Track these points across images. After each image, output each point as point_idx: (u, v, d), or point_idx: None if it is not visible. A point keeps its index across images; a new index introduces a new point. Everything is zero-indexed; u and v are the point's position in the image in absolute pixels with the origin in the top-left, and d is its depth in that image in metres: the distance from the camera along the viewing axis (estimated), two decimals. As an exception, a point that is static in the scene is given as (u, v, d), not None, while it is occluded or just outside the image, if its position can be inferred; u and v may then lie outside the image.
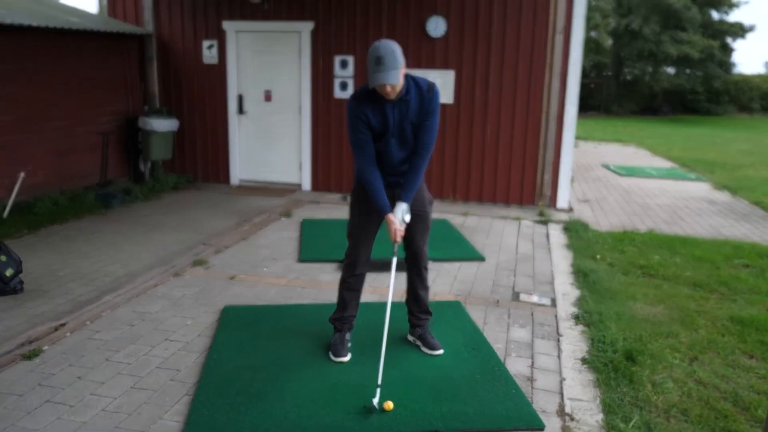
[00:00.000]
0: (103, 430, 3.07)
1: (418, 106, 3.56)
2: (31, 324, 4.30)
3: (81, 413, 3.22)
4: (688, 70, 29.66)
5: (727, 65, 29.78)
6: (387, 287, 5.10)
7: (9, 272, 4.80)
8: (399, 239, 3.66)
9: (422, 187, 3.85)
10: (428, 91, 3.57)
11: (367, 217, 3.78)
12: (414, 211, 3.76)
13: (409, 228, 3.79)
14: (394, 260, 3.75)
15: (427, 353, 3.94)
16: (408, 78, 3.53)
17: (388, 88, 3.40)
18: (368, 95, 3.53)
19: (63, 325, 4.26)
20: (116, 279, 5.28)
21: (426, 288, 4.01)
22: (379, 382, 3.36)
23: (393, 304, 4.72)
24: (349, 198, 3.91)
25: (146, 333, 4.20)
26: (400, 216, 3.64)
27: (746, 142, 18.32)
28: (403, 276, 4.08)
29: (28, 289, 4.98)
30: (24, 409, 3.24)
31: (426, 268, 3.97)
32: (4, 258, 4.81)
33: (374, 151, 3.63)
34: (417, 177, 3.67)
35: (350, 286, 3.91)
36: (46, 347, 3.94)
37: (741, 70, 34.34)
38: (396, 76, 3.36)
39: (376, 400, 3.25)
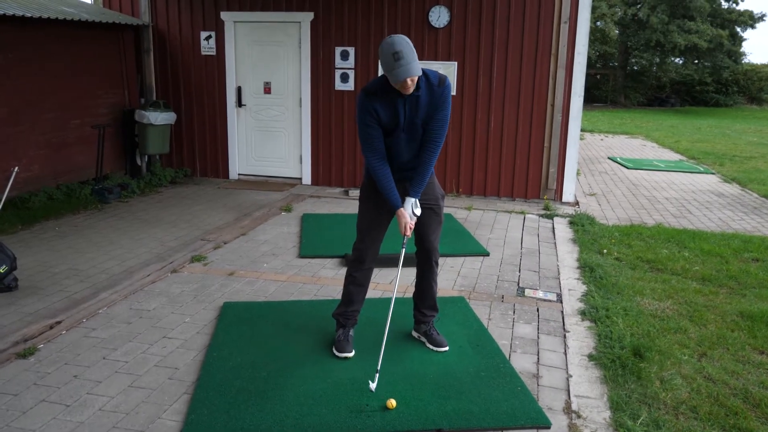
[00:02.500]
0: (101, 430, 3.06)
1: (429, 100, 3.53)
2: (26, 322, 4.30)
3: (77, 413, 3.21)
4: (696, 61, 29.57)
5: (736, 55, 29.67)
6: (390, 283, 5.12)
7: (3, 269, 4.79)
8: (409, 233, 3.66)
9: (434, 181, 3.84)
10: (439, 85, 3.54)
11: (377, 211, 3.77)
12: (427, 205, 3.78)
13: (423, 222, 3.80)
14: (402, 252, 3.76)
15: (432, 350, 3.94)
16: None
17: (409, 82, 3.36)
18: (379, 90, 3.49)
19: (58, 323, 4.25)
20: (113, 276, 5.28)
21: (436, 282, 4.01)
22: (378, 367, 3.41)
23: (399, 300, 4.72)
24: (357, 192, 3.91)
25: (144, 330, 4.20)
26: (410, 210, 3.65)
27: (756, 133, 18.28)
28: (410, 270, 4.07)
29: (23, 286, 4.97)
30: (19, 409, 3.23)
31: (437, 263, 3.97)
32: (-2, 254, 4.80)
33: (384, 146, 3.61)
34: (426, 171, 3.66)
35: (357, 280, 3.90)
36: (41, 345, 3.94)
37: (751, 59, 34.26)
38: (418, 67, 3.33)
39: (373, 385, 3.31)
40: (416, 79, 3.39)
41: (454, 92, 8.27)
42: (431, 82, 3.53)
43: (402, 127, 3.56)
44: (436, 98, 3.53)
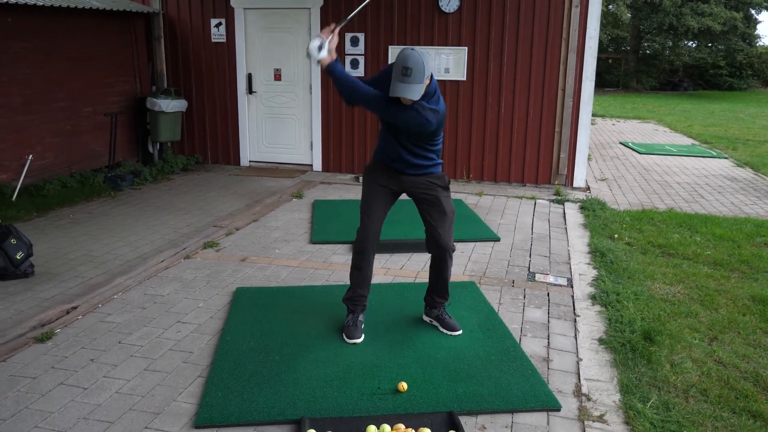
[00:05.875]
0: (118, 412, 3.12)
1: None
2: (43, 307, 4.37)
3: (95, 395, 3.28)
4: (709, 44, 29.24)
5: (750, 38, 29.31)
6: (401, 268, 5.15)
7: (19, 255, 4.86)
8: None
9: (426, 171, 3.83)
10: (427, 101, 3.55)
11: (379, 191, 3.82)
12: (421, 196, 3.83)
13: (432, 219, 3.85)
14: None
15: (445, 334, 3.97)
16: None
17: (404, 99, 3.45)
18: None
19: (74, 308, 4.32)
20: (127, 262, 5.34)
21: (450, 272, 4.03)
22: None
23: (409, 285, 4.76)
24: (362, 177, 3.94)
25: (158, 315, 4.25)
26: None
27: (770, 117, 18.10)
28: (423, 256, 4.09)
29: (39, 273, 5.04)
30: (38, 392, 3.30)
31: (452, 257, 3.95)
32: (14, 241, 4.87)
33: (367, 88, 3.59)
34: None
35: (361, 264, 3.93)
36: (58, 330, 4.01)
37: (766, 42, 33.85)
38: (419, 91, 3.37)
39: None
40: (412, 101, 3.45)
41: (464, 77, 8.24)
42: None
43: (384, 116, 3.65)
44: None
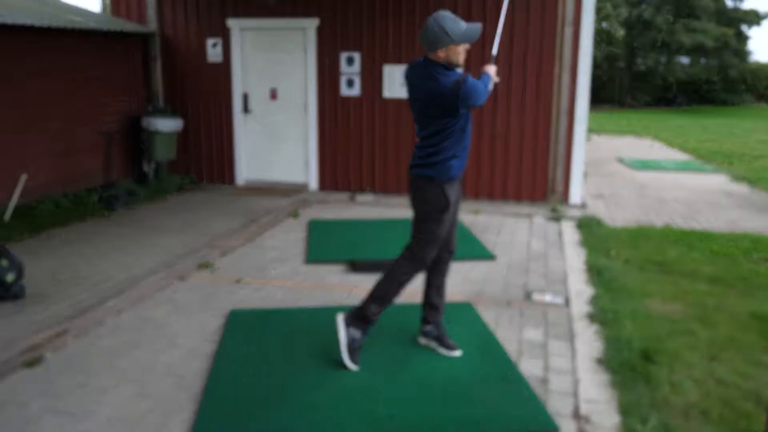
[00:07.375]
0: (107, 439, 3.06)
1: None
2: (33, 330, 4.29)
3: (84, 421, 3.20)
4: (702, 60, 29.46)
5: (742, 53, 29.58)
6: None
7: (10, 278, 4.79)
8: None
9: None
10: None
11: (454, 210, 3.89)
12: (459, 197, 3.90)
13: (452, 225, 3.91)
14: None
15: (444, 354, 3.92)
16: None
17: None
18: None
19: (65, 331, 4.24)
20: (119, 283, 5.27)
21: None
22: None
23: (402, 306, 4.69)
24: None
25: (150, 339, 4.19)
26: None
27: (765, 131, 18.16)
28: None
29: (30, 294, 4.97)
30: (25, 419, 3.23)
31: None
32: (5, 263, 4.80)
33: None
34: None
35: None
36: (47, 354, 3.93)
37: (757, 58, 34.18)
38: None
39: None
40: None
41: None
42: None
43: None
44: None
